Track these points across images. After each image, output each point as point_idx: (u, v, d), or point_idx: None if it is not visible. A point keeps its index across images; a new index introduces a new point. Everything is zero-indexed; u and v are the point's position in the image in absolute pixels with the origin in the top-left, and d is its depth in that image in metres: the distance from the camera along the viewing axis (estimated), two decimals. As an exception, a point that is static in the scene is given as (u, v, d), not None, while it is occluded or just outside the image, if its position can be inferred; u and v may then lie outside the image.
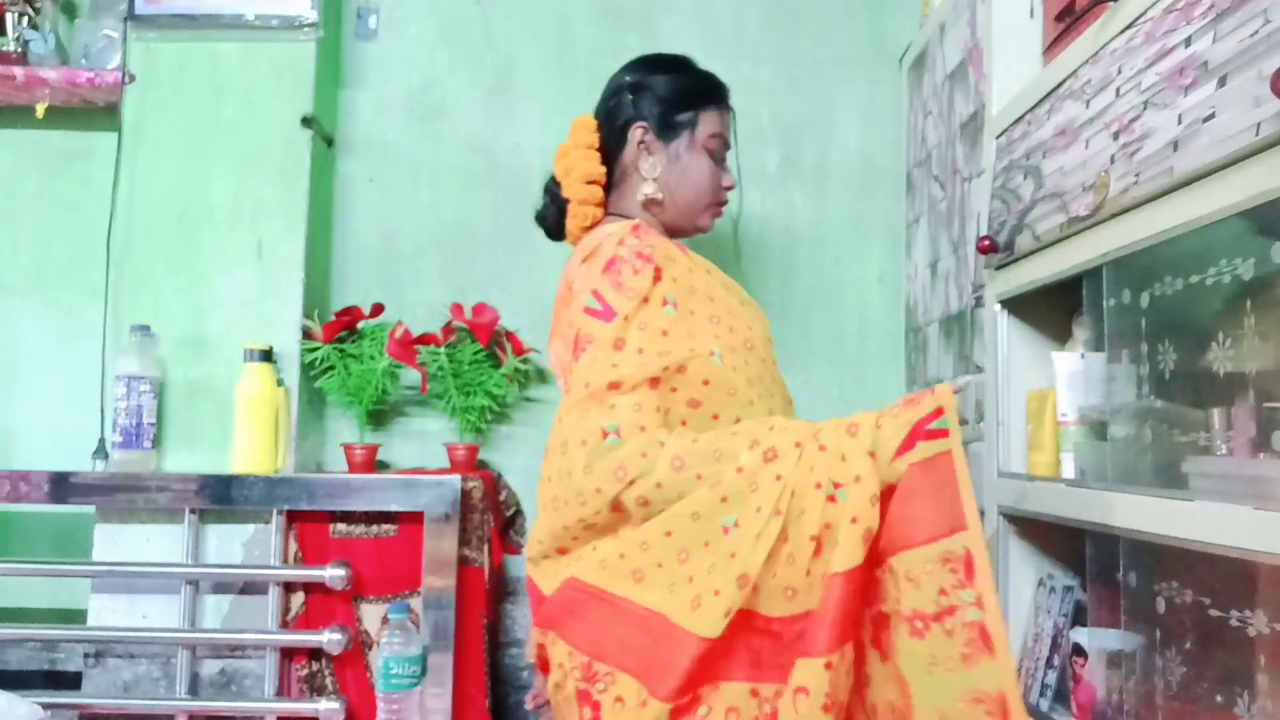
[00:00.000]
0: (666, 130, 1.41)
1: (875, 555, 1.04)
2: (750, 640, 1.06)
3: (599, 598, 1.13)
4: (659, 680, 1.05)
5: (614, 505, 1.12)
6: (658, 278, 1.23)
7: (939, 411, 1.04)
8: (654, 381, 1.16)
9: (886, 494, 1.04)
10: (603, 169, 1.41)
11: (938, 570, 1.01)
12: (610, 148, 1.42)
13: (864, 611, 1.06)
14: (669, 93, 1.42)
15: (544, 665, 1.24)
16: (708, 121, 1.42)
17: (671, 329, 1.21)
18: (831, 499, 1.04)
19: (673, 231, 1.44)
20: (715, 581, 1.05)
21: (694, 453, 1.10)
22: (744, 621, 1.05)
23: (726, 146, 1.46)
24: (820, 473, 1.05)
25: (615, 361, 1.17)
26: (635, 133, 1.40)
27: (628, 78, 1.44)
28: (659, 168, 1.40)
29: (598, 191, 1.41)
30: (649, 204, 1.41)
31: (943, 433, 1.04)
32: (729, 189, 1.46)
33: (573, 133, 1.44)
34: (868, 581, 1.04)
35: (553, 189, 1.47)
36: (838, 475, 1.05)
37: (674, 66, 1.46)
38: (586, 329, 1.22)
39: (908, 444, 1.05)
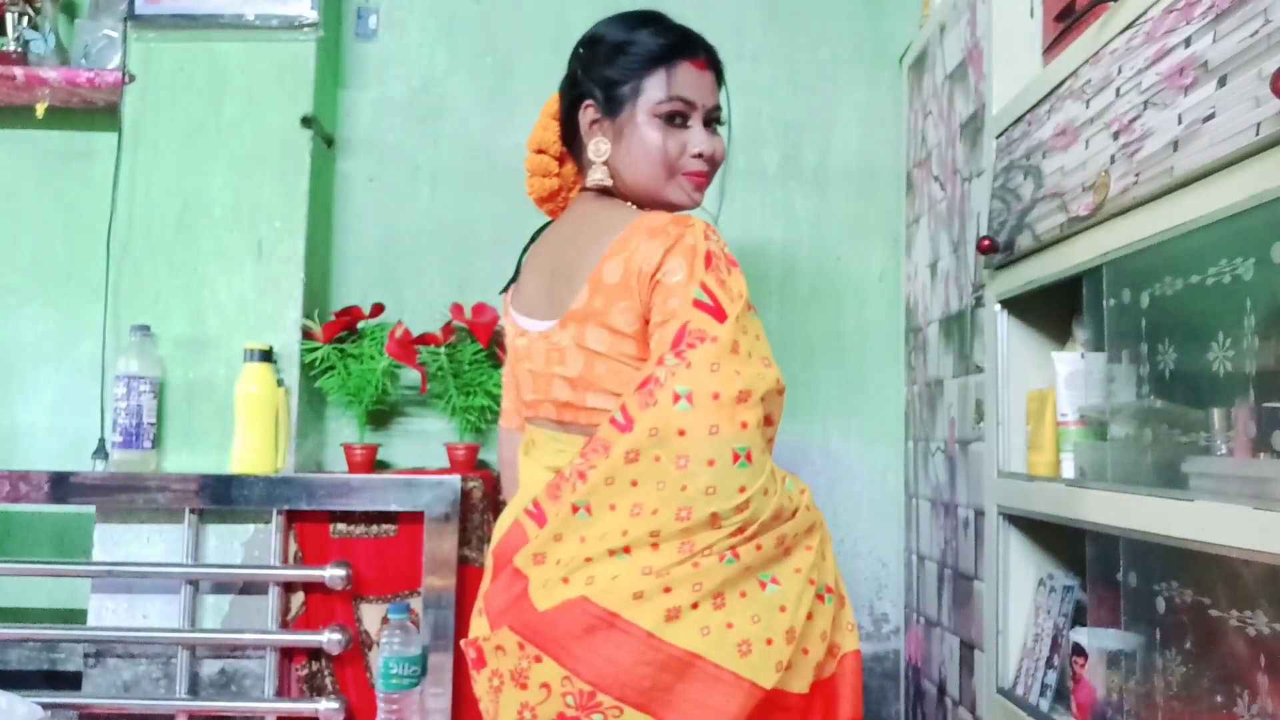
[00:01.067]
0: (612, 105, 1.26)
1: None
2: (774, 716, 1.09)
3: (619, 627, 1.04)
4: None
5: (713, 522, 1.07)
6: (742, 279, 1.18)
7: None
8: (765, 396, 1.11)
9: None
10: (556, 139, 1.35)
11: None
12: (570, 126, 1.31)
13: None
14: (609, 65, 1.26)
15: (480, 661, 1.15)
16: (654, 86, 1.24)
17: (761, 334, 1.17)
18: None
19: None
20: (764, 631, 1.06)
21: (786, 508, 1.13)
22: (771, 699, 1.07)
23: (691, 107, 1.26)
24: (830, 560, 1.20)
25: (738, 369, 1.09)
26: (585, 114, 1.28)
27: (579, 47, 1.32)
28: (607, 149, 1.26)
29: (544, 161, 1.36)
30: (603, 191, 1.28)
31: None
32: (698, 156, 1.26)
33: (545, 105, 1.38)
34: None
35: None
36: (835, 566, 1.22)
37: (619, 29, 1.29)
38: (697, 324, 1.10)
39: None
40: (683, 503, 1.05)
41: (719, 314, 1.10)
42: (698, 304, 1.11)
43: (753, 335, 1.14)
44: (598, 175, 1.27)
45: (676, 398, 1.06)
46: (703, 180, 1.28)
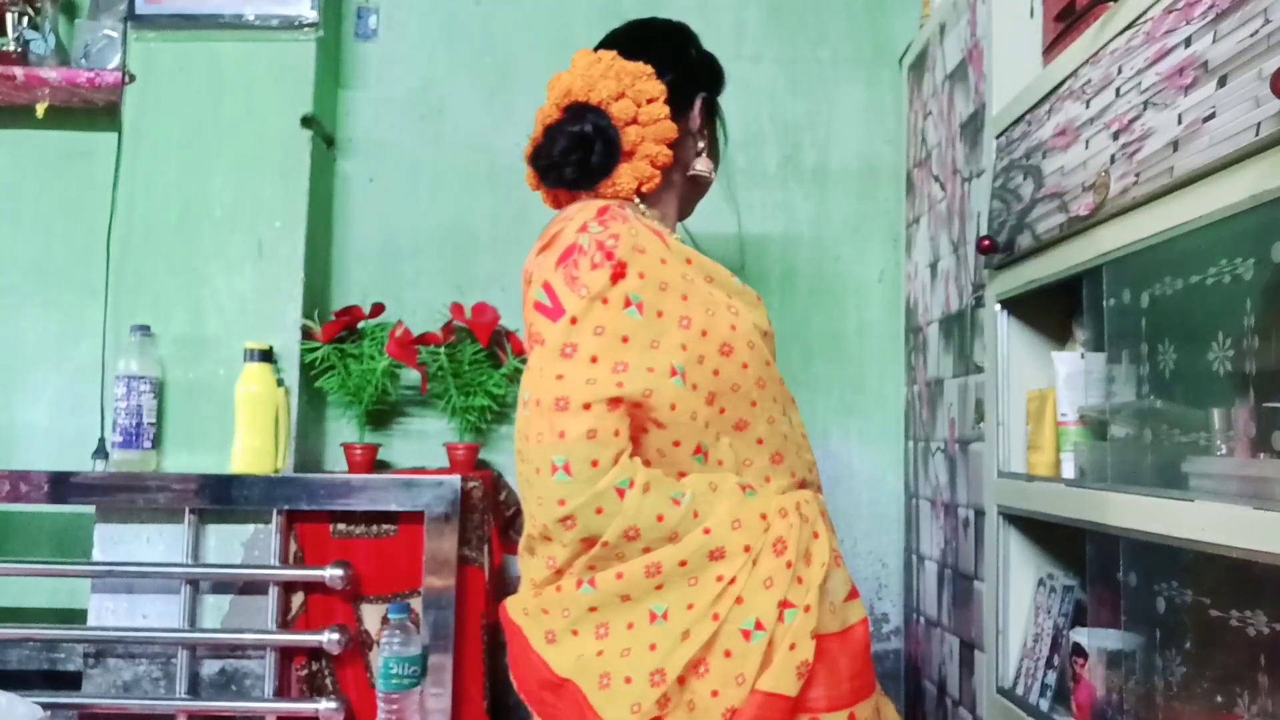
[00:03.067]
0: (711, 110, 1.33)
1: (803, 702, 1.03)
2: None
3: (521, 641, 1.08)
4: None
5: (549, 537, 1.06)
6: (620, 274, 1.07)
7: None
8: (613, 402, 1.02)
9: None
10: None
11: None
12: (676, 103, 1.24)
13: None
14: (715, 79, 1.34)
15: None
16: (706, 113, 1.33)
17: (633, 335, 1.06)
18: (779, 619, 1.03)
19: (682, 213, 1.34)
20: (627, 668, 1.01)
21: (652, 529, 1.02)
22: None
23: None
24: (779, 589, 1.03)
25: (561, 372, 1.03)
26: (700, 104, 1.29)
27: (689, 44, 1.33)
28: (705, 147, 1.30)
29: (666, 152, 1.22)
30: (693, 181, 1.30)
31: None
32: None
33: (621, 67, 1.21)
34: None
35: (600, 123, 1.18)
36: (792, 595, 1.04)
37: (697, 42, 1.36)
38: (536, 327, 1.09)
39: (854, 593, 1.13)
40: (530, 511, 1.08)
41: (554, 313, 1.07)
42: (537, 305, 1.10)
43: (613, 337, 1.05)
44: (701, 167, 1.30)
45: (523, 403, 1.07)
46: None
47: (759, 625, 1.02)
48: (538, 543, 1.09)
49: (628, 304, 1.06)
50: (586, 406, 1.01)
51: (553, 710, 1.06)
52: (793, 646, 1.02)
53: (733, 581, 1.03)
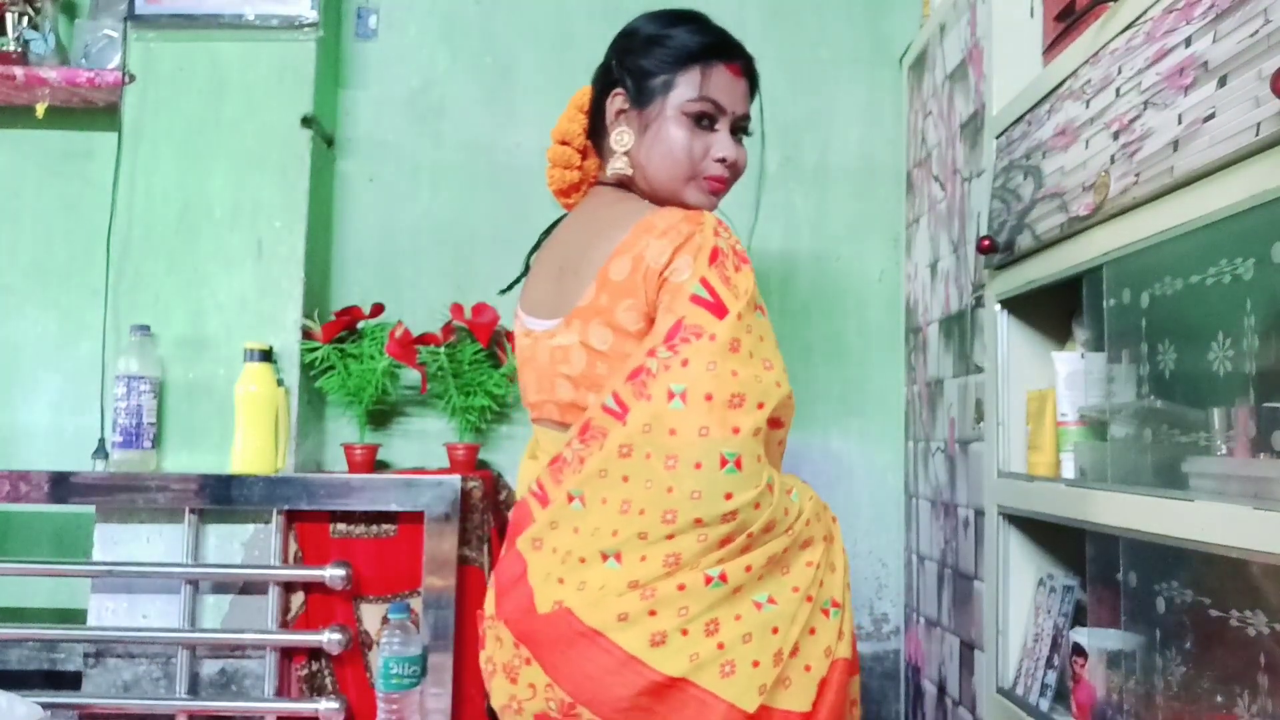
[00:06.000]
0: (643, 97, 1.25)
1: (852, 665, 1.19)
2: None
3: (601, 646, 1.03)
4: None
5: (697, 528, 1.04)
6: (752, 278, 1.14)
7: None
8: (763, 402, 1.07)
9: None
10: (581, 132, 1.32)
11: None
12: (598, 115, 1.30)
13: None
14: (645, 55, 1.26)
15: (482, 640, 1.21)
16: (686, 83, 1.24)
17: (767, 335, 1.12)
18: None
19: None
20: (753, 653, 1.03)
21: (782, 523, 1.09)
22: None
23: (720, 111, 1.26)
24: (840, 571, 1.16)
25: (735, 369, 1.05)
26: (613, 102, 1.27)
27: (618, 38, 1.33)
28: (631, 140, 1.25)
29: (567, 153, 1.32)
30: (621, 181, 1.27)
31: None
32: (720, 160, 1.25)
33: (574, 96, 1.36)
34: None
35: None
36: (849, 577, 1.19)
37: (659, 23, 1.29)
38: (694, 319, 1.07)
39: None
40: (668, 505, 1.03)
41: (718, 310, 1.08)
42: (695, 299, 1.08)
43: (756, 336, 1.10)
44: (618, 165, 1.26)
45: (671, 395, 1.04)
46: (721, 186, 1.28)
47: (835, 603, 1.13)
48: (651, 543, 1.04)
49: (758, 309, 1.13)
50: (760, 405, 1.06)
51: (644, 714, 1.02)
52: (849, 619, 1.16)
53: (817, 567, 1.12)
